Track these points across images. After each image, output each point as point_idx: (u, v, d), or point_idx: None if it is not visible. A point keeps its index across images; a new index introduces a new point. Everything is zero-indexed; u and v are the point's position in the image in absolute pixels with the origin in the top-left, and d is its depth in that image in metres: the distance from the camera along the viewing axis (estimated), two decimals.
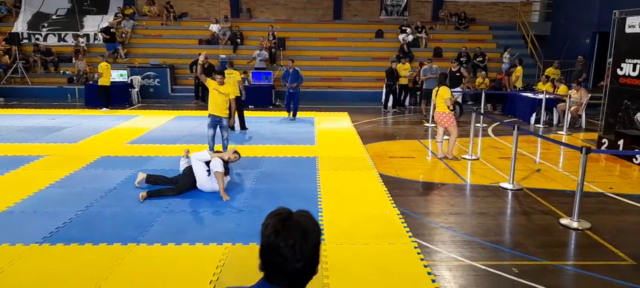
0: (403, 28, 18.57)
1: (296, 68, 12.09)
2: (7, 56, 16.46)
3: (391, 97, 13.68)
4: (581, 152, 4.97)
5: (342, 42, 18.69)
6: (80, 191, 5.98)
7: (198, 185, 5.90)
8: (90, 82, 14.16)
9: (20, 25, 18.39)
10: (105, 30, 17.11)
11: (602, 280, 3.97)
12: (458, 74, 13.06)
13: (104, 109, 12.79)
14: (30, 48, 17.34)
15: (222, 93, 7.38)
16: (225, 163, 6.00)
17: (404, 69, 14.12)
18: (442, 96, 7.83)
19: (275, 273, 1.45)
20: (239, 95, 9.95)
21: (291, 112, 11.92)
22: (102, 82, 12.80)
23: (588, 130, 11.04)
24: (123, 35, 17.90)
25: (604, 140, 8.62)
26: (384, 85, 13.95)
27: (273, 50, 16.89)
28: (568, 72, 15.31)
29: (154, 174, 6.29)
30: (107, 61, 13.48)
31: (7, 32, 17.38)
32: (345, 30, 19.36)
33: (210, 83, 7.45)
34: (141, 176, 6.15)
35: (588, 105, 11.58)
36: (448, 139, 8.05)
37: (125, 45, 17.65)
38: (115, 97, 13.77)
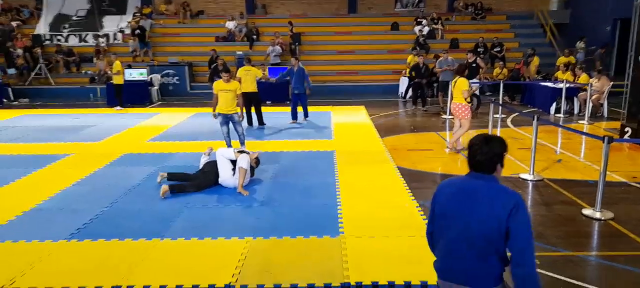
0: (419, 20, 18.42)
1: (302, 66, 10.67)
2: (27, 54, 16.82)
3: (414, 92, 12.96)
4: (603, 141, 4.90)
5: (357, 35, 18.65)
6: (104, 188, 6.14)
7: (220, 181, 6.00)
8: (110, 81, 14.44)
9: (42, 27, 18.83)
10: (139, 29, 17.33)
11: (626, 271, 3.92)
12: (474, 65, 12.94)
13: (118, 107, 12.98)
14: (52, 49, 17.75)
15: (228, 90, 7.47)
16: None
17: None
18: (460, 88, 7.70)
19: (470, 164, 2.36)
20: (256, 91, 10.02)
21: (296, 119, 10.65)
22: (117, 80, 12.99)
23: (610, 119, 10.82)
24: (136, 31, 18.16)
25: (627, 129, 8.44)
26: (409, 81, 13.73)
27: (292, 46, 16.92)
28: (588, 60, 14.98)
29: (175, 172, 6.37)
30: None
31: (30, 34, 17.83)
32: (361, 24, 19.32)
33: (216, 86, 7.52)
34: (162, 175, 6.19)
35: (610, 93, 11.35)
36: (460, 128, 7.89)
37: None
38: (135, 96, 14.06)
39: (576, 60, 14.08)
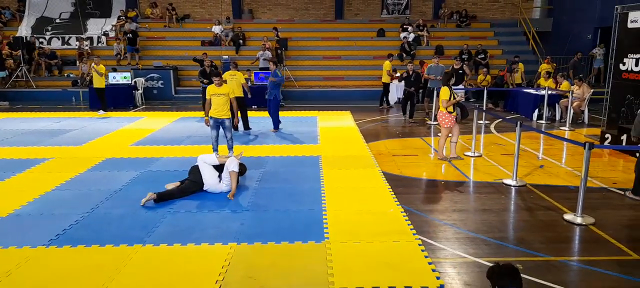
0: (404, 27, 18.58)
1: (276, 70, 10.27)
2: (10, 60, 16.55)
3: (404, 101, 12.02)
4: (584, 148, 4.97)
5: (344, 41, 18.73)
6: (86, 193, 6.03)
7: (206, 187, 5.94)
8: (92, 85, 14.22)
9: (24, 30, 18.51)
10: (131, 33, 17.13)
11: (607, 275, 3.98)
12: (461, 72, 13.00)
13: (101, 111, 12.77)
14: (35, 52, 17.42)
15: (221, 94, 7.42)
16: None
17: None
18: (441, 97, 7.69)
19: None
20: (242, 96, 9.97)
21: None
22: (98, 84, 12.77)
23: (591, 125, 11.02)
24: (125, 35, 17.98)
25: (607, 135, 8.61)
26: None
27: (278, 50, 16.91)
28: (565, 68, 15.26)
29: (164, 192, 5.80)
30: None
31: (11, 36, 17.49)
32: (347, 30, 19.40)
33: (209, 90, 7.47)
34: (150, 196, 5.60)
35: (590, 100, 11.56)
36: (450, 137, 7.84)
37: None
38: (119, 100, 13.88)
39: (557, 69, 14.33)
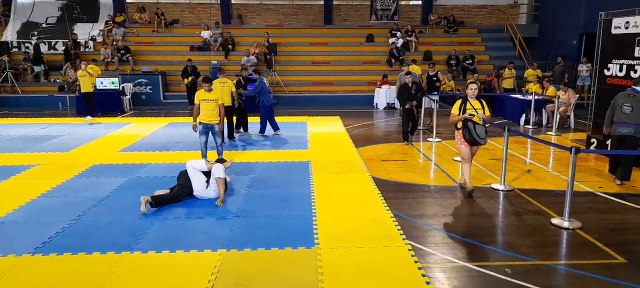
0: (393, 32, 18.71)
1: (261, 77, 10.49)
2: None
3: (406, 122, 9.47)
4: (570, 152, 5.04)
5: (333, 46, 18.80)
6: (72, 200, 5.95)
7: (195, 193, 5.90)
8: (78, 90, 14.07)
9: (9, 34, 18.27)
10: (124, 49, 17.03)
11: (594, 279, 4.03)
12: (434, 78, 11.91)
13: (89, 117, 12.62)
14: (20, 57, 17.22)
15: (210, 100, 7.39)
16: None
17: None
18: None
19: None
20: (231, 104, 9.91)
21: (269, 130, 10.43)
22: (87, 88, 12.63)
23: (577, 130, 11.18)
24: (113, 42, 17.85)
25: (593, 140, 8.73)
26: (401, 109, 9.97)
27: (268, 56, 16.91)
28: (550, 74, 15.42)
29: (159, 195, 5.76)
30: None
31: None
32: (336, 35, 19.47)
33: (198, 96, 7.44)
34: (144, 200, 5.54)
35: (576, 105, 11.73)
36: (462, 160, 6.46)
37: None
38: (106, 105, 13.75)
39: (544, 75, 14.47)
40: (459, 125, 6.17)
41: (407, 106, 9.30)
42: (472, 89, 6.19)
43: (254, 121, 10.77)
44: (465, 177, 6.34)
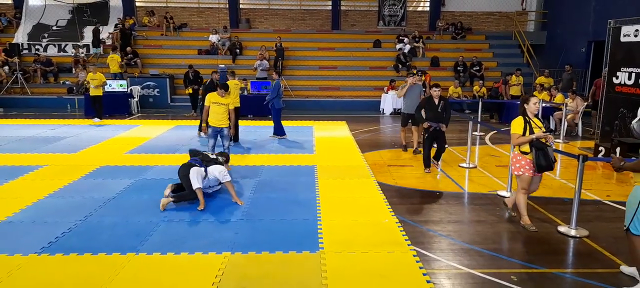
0: (400, 38, 18.72)
1: (277, 79, 10.60)
2: (6, 67, 16.51)
3: (428, 145, 7.69)
4: (578, 160, 5.00)
5: (340, 52, 18.84)
6: (79, 201, 5.99)
7: (194, 187, 5.95)
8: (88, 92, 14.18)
9: (20, 36, 18.49)
10: (132, 54, 17.23)
11: None
12: (424, 89, 10.06)
13: (96, 119, 12.72)
14: (30, 58, 17.42)
15: (222, 104, 7.44)
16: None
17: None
18: (512, 130, 5.25)
19: None
20: (239, 105, 9.98)
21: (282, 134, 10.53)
22: (97, 91, 12.75)
23: (585, 138, 11.09)
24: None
25: (601, 148, 8.67)
26: (423, 131, 7.85)
27: (277, 61, 16.99)
28: (558, 81, 15.35)
29: (178, 193, 5.93)
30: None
31: (7, 43, 17.47)
32: (344, 41, 19.52)
33: (209, 98, 7.49)
34: (165, 202, 5.73)
35: (584, 113, 11.65)
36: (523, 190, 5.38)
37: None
38: (114, 107, 13.85)
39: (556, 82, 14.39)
40: (525, 148, 5.17)
41: (431, 130, 7.52)
42: (535, 104, 5.17)
43: (250, 125, 10.79)
44: (523, 212, 5.32)
